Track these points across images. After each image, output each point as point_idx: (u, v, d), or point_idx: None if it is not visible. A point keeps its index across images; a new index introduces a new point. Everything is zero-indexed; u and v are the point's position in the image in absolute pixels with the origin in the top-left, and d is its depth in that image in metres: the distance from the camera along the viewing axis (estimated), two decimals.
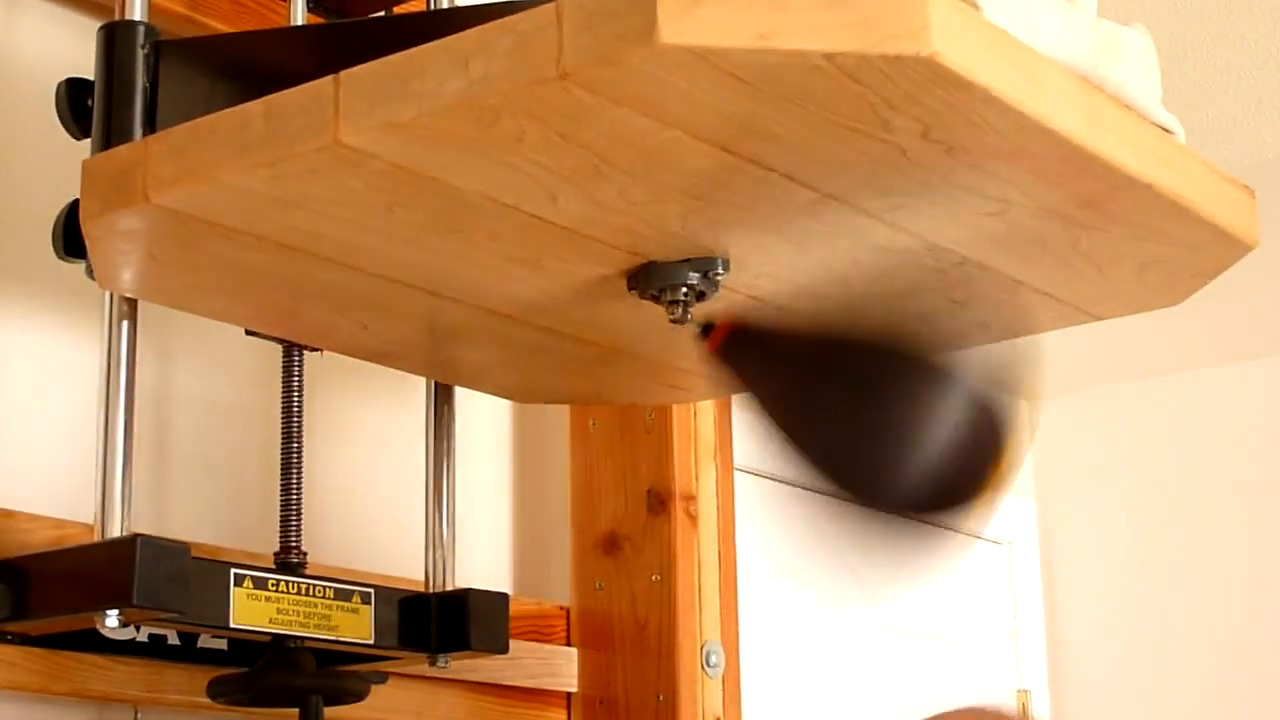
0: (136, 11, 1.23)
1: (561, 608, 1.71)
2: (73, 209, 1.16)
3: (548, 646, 1.66)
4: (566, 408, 1.76)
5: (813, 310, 1.23)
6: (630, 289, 1.20)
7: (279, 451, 1.34)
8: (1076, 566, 3.44)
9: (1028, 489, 3.49)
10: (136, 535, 1.17)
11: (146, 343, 1.26)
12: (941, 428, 1.08)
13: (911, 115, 0.97)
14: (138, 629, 1.30)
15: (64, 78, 1.25)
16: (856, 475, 1.11)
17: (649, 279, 1.18)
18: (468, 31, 0.96)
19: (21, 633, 1.24)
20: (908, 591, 3.30)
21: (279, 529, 1.33)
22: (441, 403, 1.44)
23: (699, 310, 1.19)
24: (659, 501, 1.68)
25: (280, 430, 1.35)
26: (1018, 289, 1.26)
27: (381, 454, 1.60)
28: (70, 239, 1.18)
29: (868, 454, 1.10)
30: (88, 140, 1.21)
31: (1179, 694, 3.18)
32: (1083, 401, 3.45)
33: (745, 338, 1.15)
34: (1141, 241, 1.18)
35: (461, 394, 1.46)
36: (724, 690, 1.68)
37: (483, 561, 1.71)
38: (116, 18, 1.23)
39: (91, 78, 1.22)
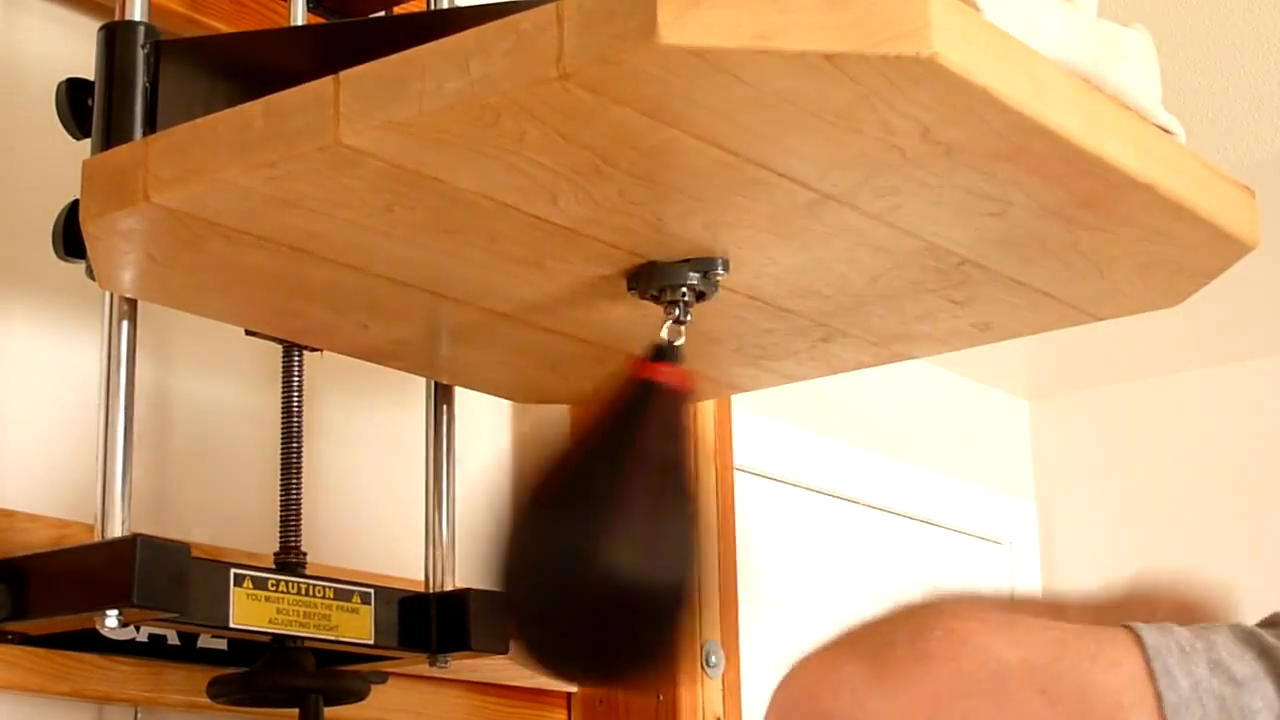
0: (136, 11, 1.23)
1: None
2: (73, 209, 1.16)
3: None
4: (566, 408, 1.76)
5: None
6: (630, 289, 1.20)
7: (279, 451, 1.34)
8: (1076, 566, 3.44)
9: (1028, 489, 3.49)
10: (136, 535, 1.17)
11: (146, 343, 1.26)
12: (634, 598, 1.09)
13: (911, 115, 0.97)
14: (138, 629, 1.30)
15: (64, 78, 1.25)
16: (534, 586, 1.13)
17: (649, 279, 1.18)
18: (468, 31, 0.96)
19: (21, 633, 1.24)
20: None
21: (279, 529, 1.33)
22: (441, 403, 1.44)
23: (702, 311, 1.19)
24: None
25: (280, 430, 1.35)
26: (1018, 289, 1.26)
27: (381, 454, 1.60)
28: (70, 239, 1.18)
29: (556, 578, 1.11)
30: (88, 140, 1.21)
31: None
32: (1083, 401, 3.45)
33: (665, 399, 1.15)
34: (1141, 241, 1.18)
35: (461, 394, 1.46)
36: (724, 690, 1.68)
37: (483, 562, 1.70)
38: (116, 18, 1.23)
39: (91, 78, 1.22)
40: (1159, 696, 0.84)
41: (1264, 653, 0.88)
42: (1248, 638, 0.89)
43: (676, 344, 1.16)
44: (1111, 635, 0.88)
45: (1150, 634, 0.87)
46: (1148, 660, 0.86)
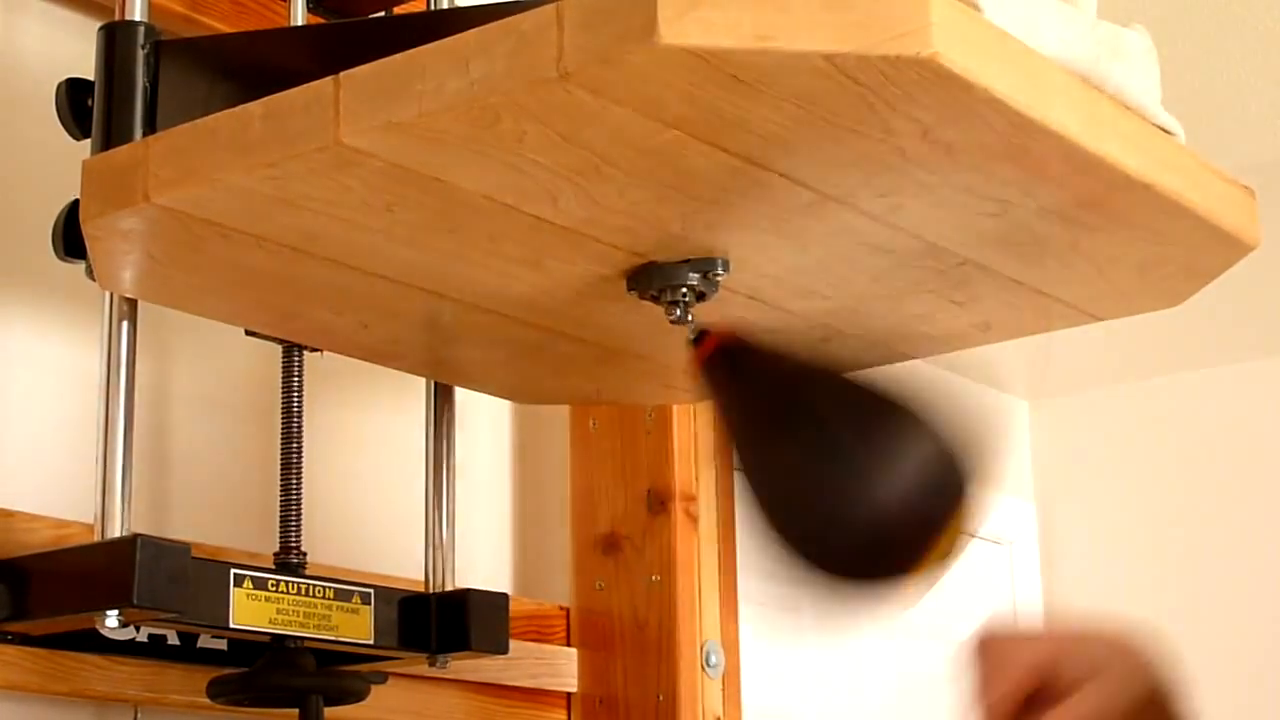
0: (136, 11, 1.23)
1: (561, 608, 1.71)
2: (73, 209, 1.16)
3: (548, 646, 1.66)
4: (566, 408, 1.76)
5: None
6: (630, 289, 1.20)
7: (279, 451, 1.34)
8: (1076, 567, 3.44)
9: (1028, 489, 3.49)
10: (136, 535, 1.17)
11: (146, 343, 1.26)
12: (897, 486, 1.05)
13: (911, 115, 0.97)
14: (138, 629, 1.30)
15: (64, 78, 1.25)
16: (799, 523, 1.08)
17: (649, 279, 1.18)
18: (468, 32, 0.96)
19: (21, 633, 1.24)
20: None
21: (279, 529, 1.33)
22: (441, 403, 1.44)
23: (702, 311, 1.19)
24: (659, 502, 1.68)
25: (280, 430, 1.35)
26: (1018, 289, 1.26)
27: (381, 454, 1.60)
28: (70, 239, 1.18)
29: (815, 504, 1.06)
30: (88, 140, 1.21)
31: None
32: (1083, 401, 3.45)
33: (732, 355, 1.13)
34: (1141, 242, 1.18)
35: (461, 394, 1.46)
36: (724, 690, 1.68)
37: (483, 561, 1.71)
38: (116, 18, 1.23)
39: (91, 78, 1.22)
40: None
41: None
42: None
43: (699, 325, 1.15)
44: None
45: None
46: None
